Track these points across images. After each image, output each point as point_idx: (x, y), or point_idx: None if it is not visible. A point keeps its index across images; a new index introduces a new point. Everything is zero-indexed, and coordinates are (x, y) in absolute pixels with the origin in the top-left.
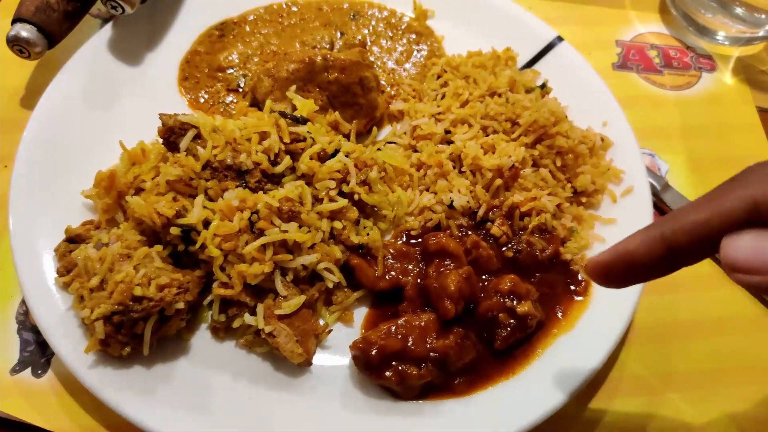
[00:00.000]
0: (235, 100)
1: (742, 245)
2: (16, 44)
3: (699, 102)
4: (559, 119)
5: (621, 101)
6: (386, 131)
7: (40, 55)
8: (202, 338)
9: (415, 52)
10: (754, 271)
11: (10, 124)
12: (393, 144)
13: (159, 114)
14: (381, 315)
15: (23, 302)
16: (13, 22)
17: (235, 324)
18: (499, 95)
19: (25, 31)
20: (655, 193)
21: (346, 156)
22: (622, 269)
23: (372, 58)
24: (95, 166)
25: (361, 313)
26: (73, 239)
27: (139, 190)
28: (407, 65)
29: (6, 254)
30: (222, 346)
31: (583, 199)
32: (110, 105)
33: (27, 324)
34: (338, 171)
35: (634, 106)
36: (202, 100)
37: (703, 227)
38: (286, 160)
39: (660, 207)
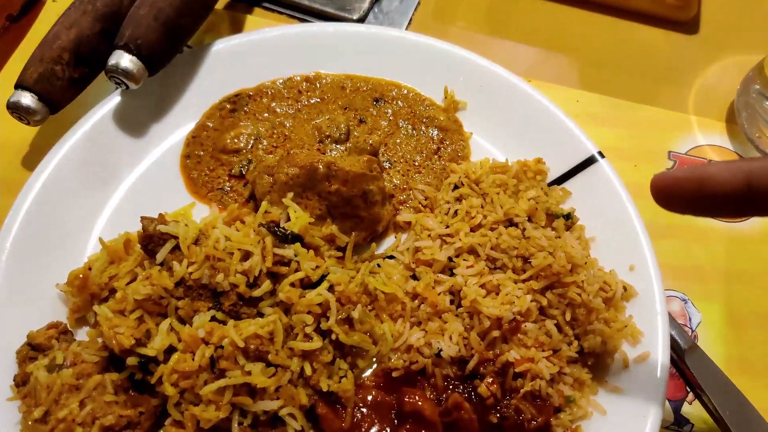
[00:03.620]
0: (234, 189)
1: None
2: (15, 111)
3: (754, 240)
4: (577, 266)
5: (660, 229)
6: (390, 241)
7: (41, 122)
8: None
9: (436, 151)
10: None
11: (10, 185)
12: (392, 260)
13: (141, 218)
14: None
15: None
16: (16, 86)
17: None
18: (516, 225)
19: (26, 99)
20: (678, 353)
21: (330, 289)
22: (691, 190)
23: (386, 155)
24: (79, 254)
25: None
26: (34, 347)
27: (113, 291)
28: (425, 164)
29: None
30: None
31: (590, 361)
32: (106, 181)
33: None
34: (319, 304)
35: (675, 236)
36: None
37: None
38: (266, 285)
39: (681, 369)
